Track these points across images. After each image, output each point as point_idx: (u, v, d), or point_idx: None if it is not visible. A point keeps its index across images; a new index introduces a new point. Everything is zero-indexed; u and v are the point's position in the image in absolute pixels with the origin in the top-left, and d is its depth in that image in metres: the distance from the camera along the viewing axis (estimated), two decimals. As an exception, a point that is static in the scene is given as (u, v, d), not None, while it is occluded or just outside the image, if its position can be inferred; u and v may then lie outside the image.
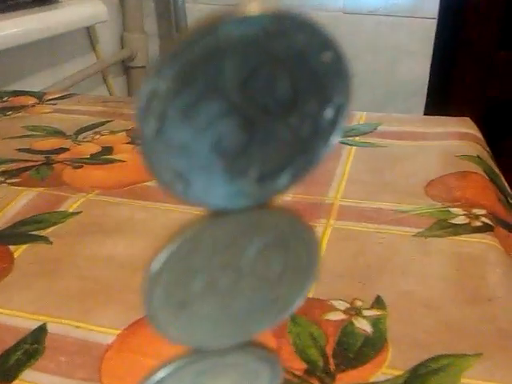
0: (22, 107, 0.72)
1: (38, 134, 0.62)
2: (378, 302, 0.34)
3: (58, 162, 0.55)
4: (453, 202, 0.46)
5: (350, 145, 0.58)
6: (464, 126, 0.63)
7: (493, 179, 0.52)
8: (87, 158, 0.56)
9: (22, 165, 0.54)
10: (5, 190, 0.48)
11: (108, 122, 0.66)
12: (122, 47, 1.44)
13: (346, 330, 0.31)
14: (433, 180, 0.50)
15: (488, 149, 0.60)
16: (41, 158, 0.55)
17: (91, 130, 0.63)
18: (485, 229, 0.41)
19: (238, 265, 0.12)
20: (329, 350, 0.30)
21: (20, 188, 0.49)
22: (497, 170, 0.55)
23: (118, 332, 0.31)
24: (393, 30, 1.34)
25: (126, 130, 0.63)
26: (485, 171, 0.52)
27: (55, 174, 0.52)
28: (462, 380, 0.28)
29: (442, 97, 1.42)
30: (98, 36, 1.30)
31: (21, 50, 1.02)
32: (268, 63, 0.10)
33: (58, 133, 0.63)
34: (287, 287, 0.12)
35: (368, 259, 0.38)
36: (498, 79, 1.41)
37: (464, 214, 0.43)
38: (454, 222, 0.43)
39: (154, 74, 0.10)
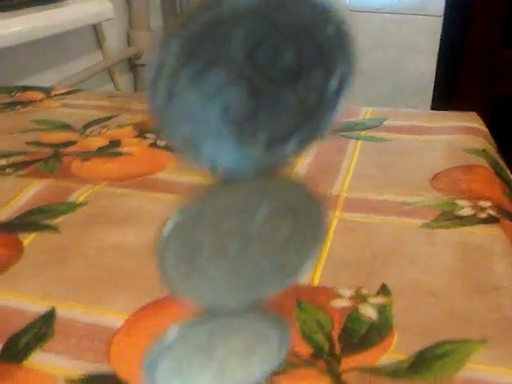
0: (31, 102, 0.72)
1: (46, 127, 0.63)
2: (384, 290, 0.34)
3: (66, 154, 0.55)
4: (459, 194, 0.46)
5: (356, 139, 0.58)
6: (470, 120, 0.63)
7: (498, 172, 0.52)
8: (95, 151, 0.56)
9: (31, 157, 0.54)
10: (14, 182, 0.49)
11: (115, 116, 0.66)
12: (129, 45, 1.45)
13: (352, 317, 0.32)
14: (439, 173, 0.50)
15: (494, 143, 0.60)
16: (49, 150, 0.56)
17: (98, 124, 0.64)
18: (490, 220, 0.42)
19: (246, 230, 0.12)
20: (335, 335, 0.30)
21: (28, 179, 0.49)
22: (503, 164, 0.55)
23: (127, 317, 0.31)
24: (399, 27, 1.35)
25: (133, 124, 0.63)
26: (490, 165, 0.52)
27: (63, 167, 0.52)
28: (467, 365, 0.28)
29: (448, 94, 1.42)
30: (104, 34, 1.31)
31: (28, 47, 1.02)
32: (273, 35, 0.11)
33: (65, 127, 0.63)
34: (294, 252, 0.13)
35: (374, 249, 0.39)
36: (503, 76, 1.40)
37: (470, 206, 0.43)
38: (460, 213, 0.43)
39: (163, 43, 0.10)
